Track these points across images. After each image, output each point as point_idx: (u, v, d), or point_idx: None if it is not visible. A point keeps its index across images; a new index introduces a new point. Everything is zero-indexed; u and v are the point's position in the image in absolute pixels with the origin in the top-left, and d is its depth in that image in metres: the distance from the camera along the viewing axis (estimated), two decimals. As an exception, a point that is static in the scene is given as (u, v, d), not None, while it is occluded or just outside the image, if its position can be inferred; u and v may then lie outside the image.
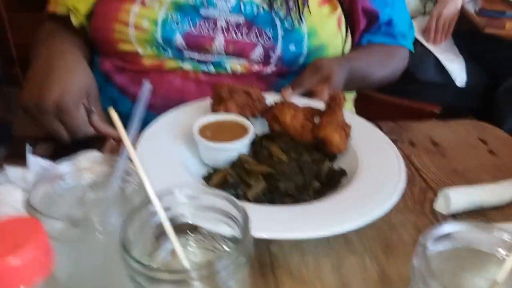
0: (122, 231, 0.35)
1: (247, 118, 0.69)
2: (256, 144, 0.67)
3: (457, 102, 1.78)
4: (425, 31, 1.78)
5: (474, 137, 0.82)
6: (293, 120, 0.68)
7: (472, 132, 0.84)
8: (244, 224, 0.36)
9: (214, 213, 0.40)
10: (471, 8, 1.76)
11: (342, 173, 0.64)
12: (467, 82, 1.71)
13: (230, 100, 0.68)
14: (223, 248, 0.41)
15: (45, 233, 0.28)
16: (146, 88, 0.45)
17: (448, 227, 0.35)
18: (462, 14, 1.77)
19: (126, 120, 0.88)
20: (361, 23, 0.90)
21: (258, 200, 0.59)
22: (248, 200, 0.59)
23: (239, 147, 0.63)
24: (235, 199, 0.38)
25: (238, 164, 0.63)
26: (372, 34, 0.94)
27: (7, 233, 0.27)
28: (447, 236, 0.36)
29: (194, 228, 0.40)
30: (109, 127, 0.71)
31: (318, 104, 0.75)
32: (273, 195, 0.60)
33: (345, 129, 0.65)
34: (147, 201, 0.37)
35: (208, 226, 0.40)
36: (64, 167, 0.43)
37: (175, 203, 0.39)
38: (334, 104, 0.68)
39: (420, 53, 1.65)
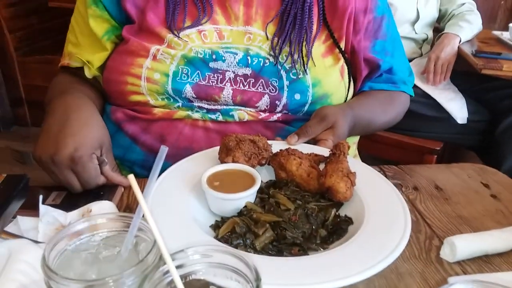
0: (137, 292, 0.36)
1: (254, 167, 0.70)
2: (263, 192, 0.69)
3: (458, 138, 1.80)
4: (424, 73, 1.83)
5: (476, 181, 0.83)
6: (299, 168, 0.69)
7: (474, 176, 0.85)
8: (256, 284, 0.37)
9: (225, 270, 0.41)
10: (467, 50, 1.81)
11: (348, 221, 0.65)
12: (468, 119, 1.73)
13: (237, 150, 0.70)
14: (233, 304, 0.41)
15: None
16: (163, 151, 0.46)
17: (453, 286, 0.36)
18: (459, 55, 1.82)
19: (137, 168, 0.90)
20: (363, 72, 0.94)
21: (265, 249, 0.60)
22: (255, 249, 0.59)
23: (246, 196, 0.65)
24: (245, 257, 0.39)
25: (245, 213, 0.64)
26: (374, 81, 0.97)
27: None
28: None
29: (205, 285, 0.41)
30: (120, 176, 0.73)
31: (322, 150, 0.77)
32: (281, 244, 0.61)
33: (350, 177, 0.67)
34: (159, 259, 0.38)
35: (219, 282, 0.41)
36: (79, 224, 0.44)
37: (187, 260, 0.40)
38: (339, 152, 0.70)
39: (418, 94, 1.69)
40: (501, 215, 0.73)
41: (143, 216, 0.41)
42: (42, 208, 0.64)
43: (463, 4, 1.92)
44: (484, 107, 1.79)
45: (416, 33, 1.89)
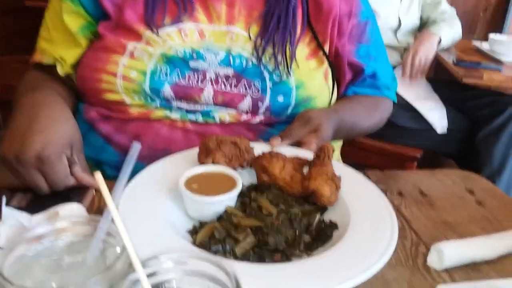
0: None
1: (235, 169, 0.67)
2: (244, 196, 0.65)
3: (438, 146, 1.81)
4: (402, 67, 1.84)
5: (461, 187, 0.82)
6: (282, 171, 0.67)
7: (458, 183, 0.84)
8: (236, 293, 0.33)
9: (201, 278, 0.37)
10: (448, 58, 1.83)
11: (333, 226, 0.62)
12: (448, 128, 1.75)
13: (218, 152, 0.66)
14: (211, 316, 0.38)
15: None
16: (135, 149, 0.43)
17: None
18: (440, 63, 1.84)
19: (109, 170, 0.85)
20: (347, 76, 0.92)
21: (246, 255, 0.56)
22: (235, 256, 0.56)
23: (226, 200, 0.61)
24: (224, 264, 0.36)
25: (225, 217, 0.60)
26: (358, 86, 0.96)
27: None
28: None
29: (180, 295, 0.38)
30: (91, 178, 0.69)
31: (306, 154, 0.74)
32: (262, 250, 0.57)
33: (335, 181, 0.64)
34: (129, 267, 0.34)
35: (195, 292, 0.38)
36: (41, 227, 0.40)
37: (160, 268, 0.37)
38: (323, 155, 0.67)
39: (399, 105, 1.70)
40: (486, 221, 0.72)
41: (112, 219, 0.38)
42: (5, 210, 0.59)
43: (445, 12, 1.94)
44: (464, 116, 1.81)
45: (398, 41, 1.90)
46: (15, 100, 0.78)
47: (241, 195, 0.65)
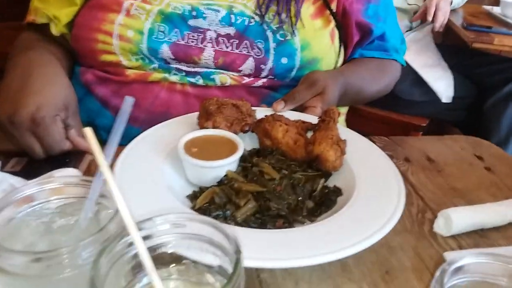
0: (93, 265, 0.30)
1: (236, 133, 0.65)
2: (246, 161, 0.63)
3: (444, 115, 1.78)
4: (420, 17, 1.77)
5: (470, 153, 0.79)
6: (286, 135, 0.64)
7: (467, 149, 0.81)
8: (236, 257, 0.31)
9: (200, 242, 0.35)
10: (457, 23, 1.77)
11: (337, 192, 0.60)
12: (455, 96, 1.71)
13: (218, 115, 0.64)
14: (209, 280, 0.36)
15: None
16: (128, 103, 0.41)
17: (462, 260, 0.32)
18: (450, 27, 1.78)
19: (106, 135, 0.83)
20: (355, 37, 0.88)
21: (247, 221, 0.55)
22: (236, 222, 0.54)
23: (227, 164, 0.59)
24: (224, 227, 0.34)
25: (226, 182, 0.58)
26: (365, 48, 0.92)
27: None
28: (461, 268, 0.32)
29: (177, 259, 0.36)
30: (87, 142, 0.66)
31: (311, 118, 0.71)
32: (264, 216, 0.55)
33: (340, 145, 0.62)
34: (123, 229, 0.32)
35: (193, 256, 0.36)
36: (31, 188, 0.38)
37: (156, 231, 0.35)
38: (328, 119, 0.64)
39: (405, 75, 1.65)
40: (496, 187, 0.70)
41: (105, 180, 0.35)
42: (-1, 174, 0.57)
43: None
44: (472, 83, 1.77)
45: (408, 3, 1.83)
46: (8, 60, 0.75)
47: (243, 160, 0.62)
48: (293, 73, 0.80)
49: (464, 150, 0.81)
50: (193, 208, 0.55)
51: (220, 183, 0.59)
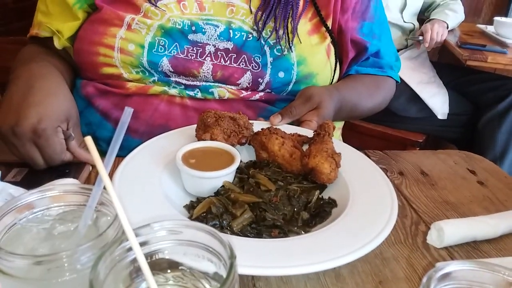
0: (92, 269, 0.31)
1: (234, 146, 0.66)
2: (243, 172, 0.64)
3: (440, 132, 1.79)
4: (422, 34, 1.81)
5: (463, 167, 0.81)
6: (282, 148, 0.65)
7: (460, 163, 0.82)
8: (230, 262, 0.32)
9: (196, 248, 0.36)
10: (452, 40, 1.80)
11: (332, 203, 0.61)
12: (450, 113, 1.73)
13: (216, 127, 0.65)
14: (205, 286, 0.37)
15: None
16: (128, 114, 0.42)
17: (449, 267, 0.33)
18: (445, 45, 1.81)
19: (107, 146, 0.84)
20: (350, 53, 0.90)
21: (243, 231, 0.56)
22: (233, 231, 0.55)
23: (224, 175, 0.60)
24: (219, 233, 0.35)
25: (223, 193, 0.59)
26: (361, 65, 0.94)
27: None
28: (448, 275, 0.33)
29: (173, 265, 0.37)
30: (88, 153, 0.68)
31: (306, 132, 0.73)
32: (260, 227, 0.56)
33: (335, 158, 0.63)
34: (121, 235, 0.33)
35: (189, 262, 0.37)
36: (33, 195, 0.39)
37: (153, 237, 0.36)
38: (323, 132, 0.66)
39: (400, 93, 1.68)
40: (488, 201, 0.71)
41: (104, 187, 0.37)
42: (0, 184, 0.58)
43: None
44: (467, 100, 1.79)
45: (404, 21, 1.87)
46: (10, 73, 0.77)
47: (239, 171, 0.64)
48: (290, 87, 0.82)
49: (457, 164, 0.82)
50: (190, 217, 0.56)
51: (217, 193, 0.60)
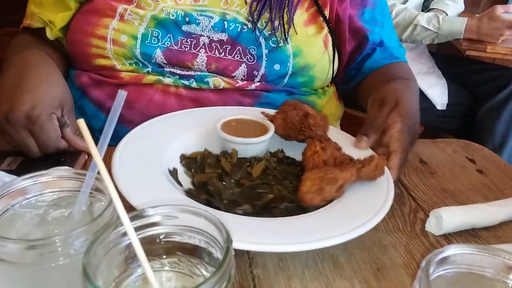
0: (85, 254, 0.30)
1: (288, 138, 0.68)
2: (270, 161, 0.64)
3: (439, 123, 1.79)
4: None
5: (462, 156, 0.80)
6: (313, 156, 0.60)
7: (459, 151, 0.82)
8: (226, 246, 0.32)
9: (191, 233, 0.36)
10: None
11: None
12: (449, 104, 1.72)
13: (280, 114, 0.67)
14: (201, 272, 0.37)
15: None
16: (121, 97, 0.41)
17: (449, 251, 0.32)
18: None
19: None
20: (349, 44, 0.88)
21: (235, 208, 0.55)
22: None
23: (259, 142, 0.65)
24: (216, 217, 0.34)
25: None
26: (373, 60, 0.89)
27: None
28: (447, 259, 0.33)
29: (169, 251, 0.36)
30: (83, 141, 0.67)
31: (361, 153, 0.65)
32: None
33: (325, 188, 0.54)
34: (116, 219, 0.33)
35: (185, 247, 0.37)
36: (26, 180, 0.38)
37: (148, 222, 0.35)
38: (359, 164, 0.57)
39: None
40: (487, 189, 0.71)
41: (98, 172, 0.36)
42: (-6, 172, 0.58)
43: None
44: (467, 91, 1.78)
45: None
46: (4, 60, 0.76)
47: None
48: (286, 79, 0.81)
49: (456, 153, 0.82)
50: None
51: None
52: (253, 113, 0.70)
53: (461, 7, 1.91)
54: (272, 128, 0.66)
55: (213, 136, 0.66)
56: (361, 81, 0.91)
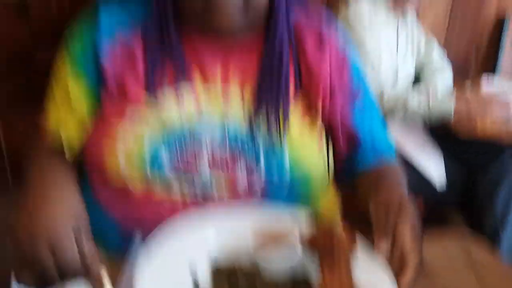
0: None
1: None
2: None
3: (439, 199, 1.79)
4: None
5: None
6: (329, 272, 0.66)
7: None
8: None
9: None
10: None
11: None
12: (447, 182, 1.74)
13: (311, 235, 0.70)
14: None
15: None
16: (138, 240, 0.45)
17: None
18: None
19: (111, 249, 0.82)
20: (343, 144, 0.94)
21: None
22: None
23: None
24: None
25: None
26: (364, 164, 0.95)
27: None
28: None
29: None
30: (99, 265, 0.69)
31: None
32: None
33: None
34: None
35: None
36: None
37: None
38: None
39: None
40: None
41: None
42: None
43: (437, 61, 1.95)
44: (461, 166, 1.79)
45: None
46: (26, 165, 0.84)
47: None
48: (285, 191, 0.87)
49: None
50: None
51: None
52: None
53: (450, 80, 1.95)
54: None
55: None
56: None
